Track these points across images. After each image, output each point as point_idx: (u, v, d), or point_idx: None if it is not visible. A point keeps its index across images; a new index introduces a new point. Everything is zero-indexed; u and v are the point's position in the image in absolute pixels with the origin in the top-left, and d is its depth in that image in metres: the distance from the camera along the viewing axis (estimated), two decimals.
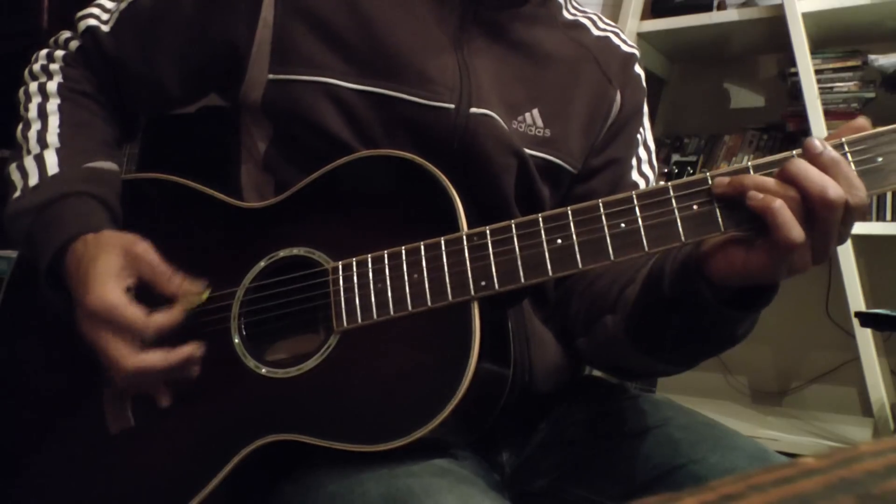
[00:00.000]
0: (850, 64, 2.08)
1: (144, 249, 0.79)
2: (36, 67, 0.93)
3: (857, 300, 1.91)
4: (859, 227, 1.95)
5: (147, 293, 0.78)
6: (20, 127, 0.88)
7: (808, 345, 2.30)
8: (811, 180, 0.62)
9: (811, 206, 0.62)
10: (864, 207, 0.63)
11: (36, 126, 0.87)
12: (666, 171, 2.30)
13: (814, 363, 2.30)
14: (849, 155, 0.65)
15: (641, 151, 0.98)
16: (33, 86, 0.91)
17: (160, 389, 0.79)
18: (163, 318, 0.76)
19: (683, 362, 0.82)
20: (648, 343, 0.79)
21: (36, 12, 2.36)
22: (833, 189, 0.62)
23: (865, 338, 1.93)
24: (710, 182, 0.67)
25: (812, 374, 2.30)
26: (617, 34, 1.00)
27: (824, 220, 0.62)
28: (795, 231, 0.62)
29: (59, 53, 0.93)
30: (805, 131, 2.03)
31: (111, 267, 0.77)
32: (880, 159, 0.64)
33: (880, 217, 1.99)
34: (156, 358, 0.76)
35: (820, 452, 0.29)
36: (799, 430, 2.04)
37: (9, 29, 2.33)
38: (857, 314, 1.81)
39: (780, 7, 2.01)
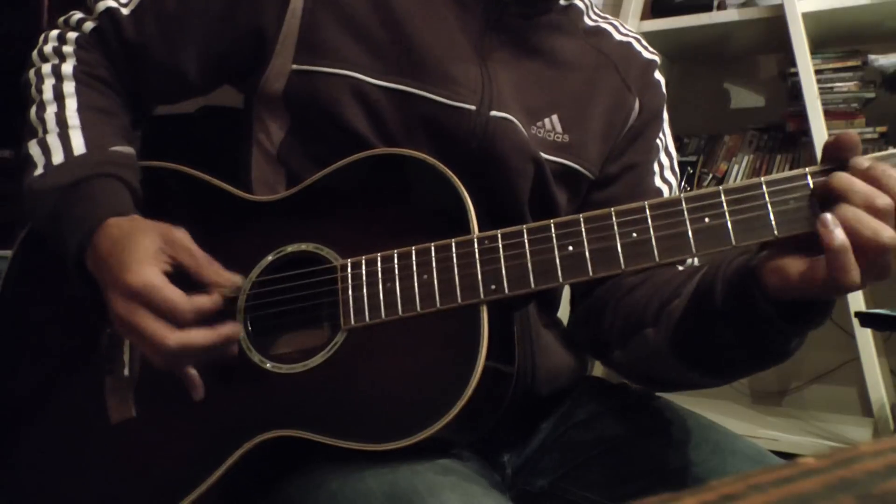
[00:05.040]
0: (850, 64, 2.07)
1: (182, 235, 0.78)
2: (47, 48, 0.91)
3: (857, 300, 1.91)
4: None
5: (181, 280, 0.77)
6: (34, 109, 0.87)
7: (808, 345, 2.26)
8: (864, 226, 0.61)
9: (865, 250, 0.61)
10: None
11: (52, 108, 0.86)
12: None
13: (814, 363, 2.29)
14: None
15: (663, 157, 0.97)
16: (46, 67, 0.89)
17: (191, 373, 0.78)
18: (203, 301, 0.75)
19: (728, 375, 0.81)
20: (695, 357, 0.78)
21: (36, 12, 2.36)
22: (887, 234, 0.61)
23: (865, 338, 1.92)
24: (722, 196, 0.67)
25: (812, 374, 2.30)
26: (638, 40, 1.01)
27: (878, 262, 0.62)
28: (853, 275, 0.62)
29: (72, 35, 0.91)
30: (805, 131, 2.03)
31: (149, 249, 0.76)
32: None
33: None
34: (199, 335, 0.74)
35: (820, 452, 0.29)
36: (799, 430, 2.04)
37: (9, 29, 2.33)
38: (857, 314, 1.81)
39: (780, 7, 2.01)
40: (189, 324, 0.74)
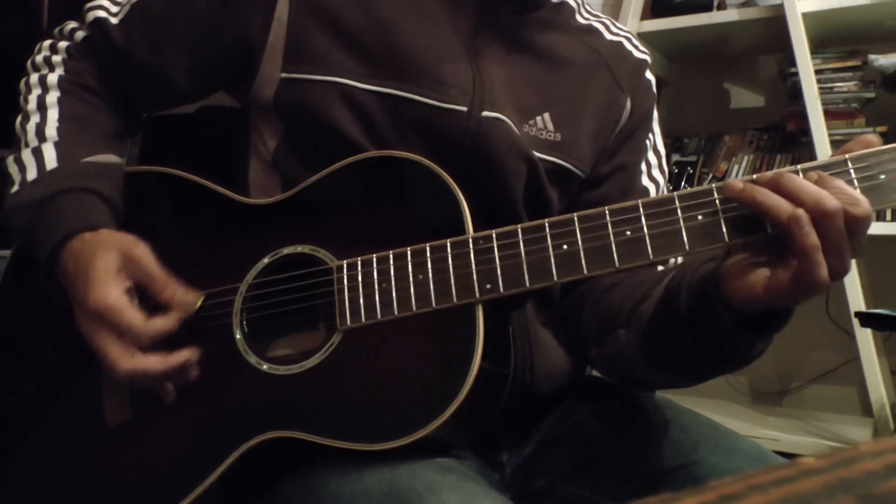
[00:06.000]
0: (850, 64, 2.07)
1: (142, 253, 0.78)
2: (38, 58, 0.92)
3: (857, 300, 1.91)
4: None
5: (144, 294, 0.78)
6: (19, 118, 0.88)
7: (808, 345, 2.30)
8: (807, 193, 0.62)
9: (812, 220, 0.62)
10: (869, 218, 0.63)
11: (35, 119, 0.86)
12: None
13: (814, 363, 2.29)
14: (852, 171, 0.65)
15: (651, 156, 0.98)
16: (34, 77, 0.90)
17: (160, 389, 0.79)
18: (161, 324, 0.76)
19: (696, 378, 0.82)
20: (662, 359, 0.79)
21: (36, 12, 2.36)
22: (829, 199, 0.61)
23: (865, 338, 1.92)
24: (715, 194, 0.67)
25: (812, 374, 2.30)
26: (629, 39, 1.00)
27: (828, 232, 0.62)
28: (824, 271, 0.62)
29: (63, 45, 0.92)
30: (805, 131, 2.03)
31: (110, 267, 0.76)
32: (882, 176, 0.64)
33: (880, 217, 1.99)
34: (152, 362, 0.75)
35: (820, 452, 0.29)
36: (799, 430, 2.04)
37: (9, 29, 2.33)
38: (857, 314, 1.81)
39: (780, 7, 2.01)
40: (146, 346, 0.75)
